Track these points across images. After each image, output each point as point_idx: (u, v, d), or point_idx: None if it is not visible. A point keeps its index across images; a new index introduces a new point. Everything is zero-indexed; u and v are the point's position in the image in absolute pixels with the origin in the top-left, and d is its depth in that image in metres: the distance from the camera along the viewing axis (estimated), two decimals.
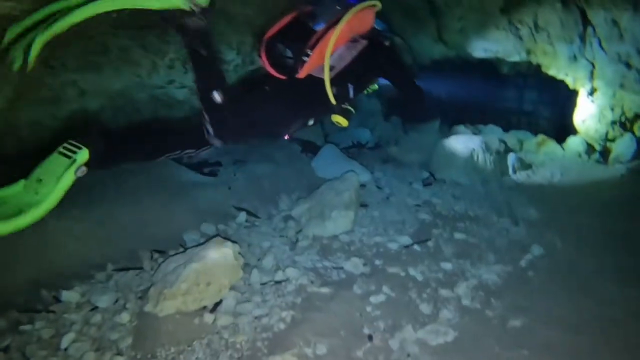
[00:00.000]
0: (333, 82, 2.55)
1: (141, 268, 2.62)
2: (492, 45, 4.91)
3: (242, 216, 3.26)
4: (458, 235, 3.12)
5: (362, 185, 3.84)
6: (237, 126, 2.38)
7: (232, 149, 4.43)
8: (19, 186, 1.95)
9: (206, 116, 2.26)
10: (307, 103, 2.67)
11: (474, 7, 4.19)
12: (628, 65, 4.60)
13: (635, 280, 2.56)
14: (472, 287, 2.54)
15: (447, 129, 6.01)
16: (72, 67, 3.25)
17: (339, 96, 2.60)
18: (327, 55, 2.48)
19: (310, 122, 2.77)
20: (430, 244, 3.01)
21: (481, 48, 5.00)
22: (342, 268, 2.69)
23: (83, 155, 1.96)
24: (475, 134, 5.94)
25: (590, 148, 5.67)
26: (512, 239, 3.13)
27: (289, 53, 2.58)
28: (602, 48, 4.61)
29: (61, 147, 2.01)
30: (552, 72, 5.30)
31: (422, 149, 4.66)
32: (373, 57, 2.84)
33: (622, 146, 5.16)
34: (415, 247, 2.95)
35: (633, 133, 5.20)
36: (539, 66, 5.59)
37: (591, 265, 2.75)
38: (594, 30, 4.53)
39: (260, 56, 2.68)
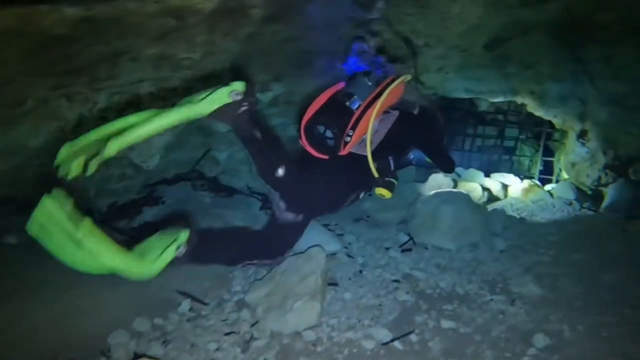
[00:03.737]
0: (374, 156, 2.73)
1: None
2: (475, 84, 4.63)
3: (186, 305, 2.78)
4: (446, 324, 2.70)
5: (332, 254, 3.42)
6: (306, 196, 2.69)
7: (182, 211, 3.98)
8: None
9: (274, 193, 2.59)
10: (354, 177, 2.84)
11: (455, 44, 3.87)
12: (623, 106, 4.36)
13: None
14: None
15: (424, 174, 5.70)
16: None
17: (381, 169, 2.77)
18: (368, 134, 2.68)
19: (362, 195, 2.98)
20: (413, 337, 2.58)
21: (462, 88, 4.72)
22: None
23: (185, 234, 2.16)
24: (455, 180, 5.65)
25: (581, 194, 5.42)
26: (510, 324, 2.73)
27: (329, 134, 2.70)
28: (594, 87, 4.36)
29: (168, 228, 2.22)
30: (539, 112, 5.05)
31: (400, 204, 4.28)
32: (405, 127, 2.99)
33: (616, 193, 4.90)
34: (396, 344, 2.52)
35: (627, 178, 4.95)
36: (523, 105, 5.37)
37: None
38: (586, 67, 4.29)
39: (300, 138, 2.79)
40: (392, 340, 2.53)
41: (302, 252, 2.95)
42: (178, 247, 2.09)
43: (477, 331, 2.65)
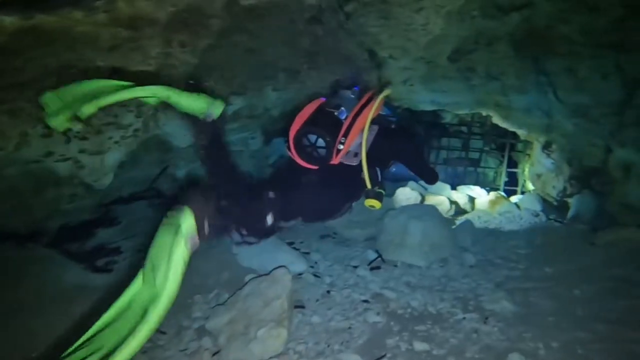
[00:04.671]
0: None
1: None
2: (440, 96, 4.61)
3: None
4: (419, 346, 2.61)
5: (298, 274, 3.30)
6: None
7: (138, 230, 3.80)
8: (139, 280, 1.91)
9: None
10: (345, 188, 2.95)
11: (420, 56, 3.83)
12: (586, 117, 4.40)
13: None
14: None
15: (391, 187, 5.65)
16: None
17: (371, 180, 2.86)
18: (364, 143, 2.79)
19: (351, 207, 3.15)
20: None
21: (428, 100, 4.69)
22: None
23: (187, 218, 1.87)
24: (422, 194, 5.62)
25: (547, 205, 5.46)
26: (484, 344, 2.66)
27: (321, 143, 2.76)
28: (558, 99, 4.39)
29: (165, 217, 1.94)
30: (505, 124, 5.07)
31: (366, 220, 4.19)
32: (386, 140, 3.04)
33: (581, 204, 4.95)
34: None
35: (592, 189, 5.00)
36: (487, 117, 5.39)
37: None
38: (550, 79, 4.32)
39: (289, 149, 2.84)
40: None
41: (266, 274, 2.82)
42: (187, 240, 1.86)
43: (451, 353, 2.57)
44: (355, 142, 2.87)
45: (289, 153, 2.85)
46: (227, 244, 3.64)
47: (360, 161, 2.83)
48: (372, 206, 2.90)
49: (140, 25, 2.67)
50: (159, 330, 2.70)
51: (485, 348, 2.62)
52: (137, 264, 3.23)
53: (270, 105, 4.45)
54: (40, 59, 2.53)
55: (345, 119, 2.86)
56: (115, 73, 2.94)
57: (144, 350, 2.53)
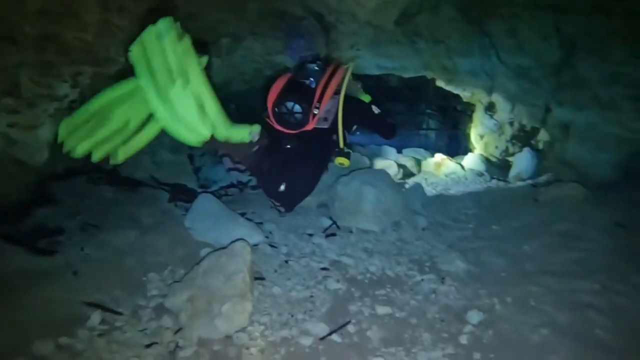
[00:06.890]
0: (336, 130, 3.22)
1: None
2: (387, 61, 4.62)
3: (96, 318, 2.50)
4: (381, 310, 2.67)
5: (254, 245, 3.26)
6: (300, 196, 3.47)
7: (80, 208, 3.61)
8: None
9: (276, 203, 3.42)
10: (321, 149, 3.33)
11: (367, 21, 3.80)
12: (528, 78, 4.55)
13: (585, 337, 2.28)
14: None
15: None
16: None
17: (343, 141, 3.28)
18: (341, 104, 3.17)
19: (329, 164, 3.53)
20: (350, 328, 2.51)
21: (374, 65, 4.69)
22: None
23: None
24: (371, 159, 5.68)
25: (490, 165, 5.65)
26: (443, 303, 2.76)
27: (298, 109, 3.11)
28: (501, 61, 4.51)
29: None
30: (449, 87, 5.16)
31: (317, 188, 4.18)
32: (347, 107, 3.28)
33: (522, 162, 5.17)
34: (334, 337, 2.44)
35: (531, 147, 5.22)
36: (430, 80, 5.46)
37: (543, 330, 2.42)
38: (492, 41, 4.42)
39: (268, 118, 3.20)
40: (330, 334, 2.45)
41: (224, 248, 2.76)
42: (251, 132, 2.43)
43: (412, 314, 2.65)
44: (325, 108, 3.22)
45: (268, 121, 3.17)
46: (178, 217, 3.55)
47: (330, 125, 3.21)
48: (342, 164, 3.31)
49: None
50: (115, 311, 2.61)
51: (445, 307, 2.71)
52: (84, 245, 3.12)
53: (212, 72, 4.31)
54: None
55: (316, 87, 3.19)
56: (46, 40, 2.75)
57: (100, 333, 2.44)
